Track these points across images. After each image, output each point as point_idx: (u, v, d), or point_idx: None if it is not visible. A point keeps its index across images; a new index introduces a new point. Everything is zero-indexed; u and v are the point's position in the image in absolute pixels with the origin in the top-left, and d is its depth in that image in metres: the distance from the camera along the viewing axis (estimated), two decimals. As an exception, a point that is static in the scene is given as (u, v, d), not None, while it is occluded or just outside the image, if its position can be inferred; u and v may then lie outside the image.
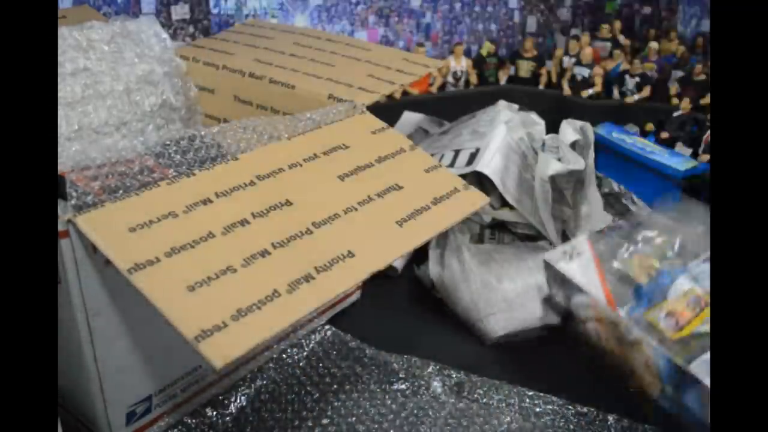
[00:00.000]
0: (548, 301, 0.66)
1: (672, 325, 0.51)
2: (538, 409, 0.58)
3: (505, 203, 0.77)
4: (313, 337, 0.65)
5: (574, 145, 0.73)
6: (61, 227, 0.42)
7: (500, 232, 0.82)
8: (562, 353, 0.64)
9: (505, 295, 0.68)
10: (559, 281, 0.62)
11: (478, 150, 0.78)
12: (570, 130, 0.73)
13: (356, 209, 0.50)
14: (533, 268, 0.71)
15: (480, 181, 0.76)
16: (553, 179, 0.72)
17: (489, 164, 0.75)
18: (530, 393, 0.60)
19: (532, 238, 0.80)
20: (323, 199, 0.50)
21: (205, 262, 0.41)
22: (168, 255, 0.41)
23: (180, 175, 0.47)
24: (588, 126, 0.74)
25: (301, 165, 0.53)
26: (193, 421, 0.56)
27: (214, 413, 0.57)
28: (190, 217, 0.44)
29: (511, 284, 0.69)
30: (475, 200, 0.58)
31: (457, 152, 0.81)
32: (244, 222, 0.45)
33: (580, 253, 0.61)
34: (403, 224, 0.51)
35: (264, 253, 0.44)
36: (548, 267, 0.63)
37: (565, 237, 0.77)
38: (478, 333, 0.68)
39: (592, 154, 0.74)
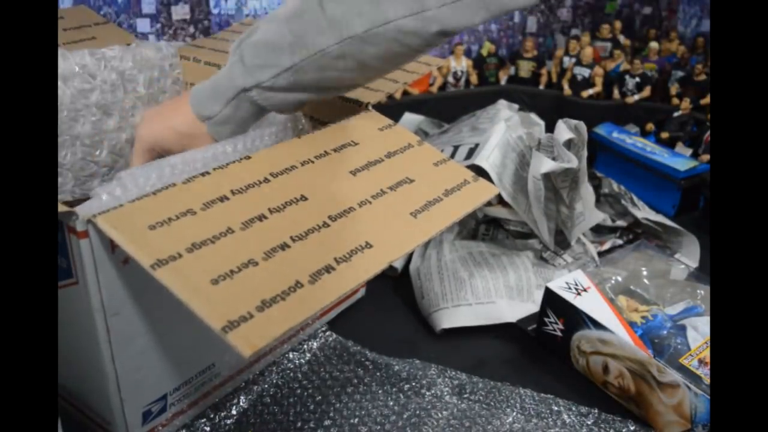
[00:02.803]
0: (537, 329, 0.66)
1: (708, 373, 0.56)
2: (539, 410, 0.58)
3: (501, 200, 0.77)
4: (314, 342, 0.65)
5: (569, 144, 0.73)
6: (80, 227, 0.43)
7: (494, 228, 0.83)
8: (562, 355, 0.64)
9: (474, 291, 0.70)
10: (567, 314, 0.63)
11: (477, 145, 0.78)
12: (565, 128, 0.73)
13: (370, 202, 0.51)
14: (508, 268, 0.73)
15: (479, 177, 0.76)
16: (549, 178, 0.72)
17: (488, 159, 0.75)
18: (532, 394, 0.60)
19: (525, 235, 0.81)
20: (337, 193, 0.51)
21: (226, 256, 0.42)
22: (189, 250, 0.41)
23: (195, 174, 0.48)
24: (582, 124, 0.74)
25: (312, 162, 0.53)
26: (195, 423, 0.56)
27: (216, 416, 0.57)
28: (208, 214, 0.45)
29: (481, 282, 0.70)
30: (485, 191, 0.59)
31: (456, 147, 0.81)
32: (261, 217, 0.46)
33: (586, 288, 0.63)
34: (417, 215, 0.52)
35: (284, 246, 0.44)
36: (552, 297, 0.64)
37: (559, 235, 0.78)
38: (432, 322, 0.69)
39: (585, 152, 0.75)
